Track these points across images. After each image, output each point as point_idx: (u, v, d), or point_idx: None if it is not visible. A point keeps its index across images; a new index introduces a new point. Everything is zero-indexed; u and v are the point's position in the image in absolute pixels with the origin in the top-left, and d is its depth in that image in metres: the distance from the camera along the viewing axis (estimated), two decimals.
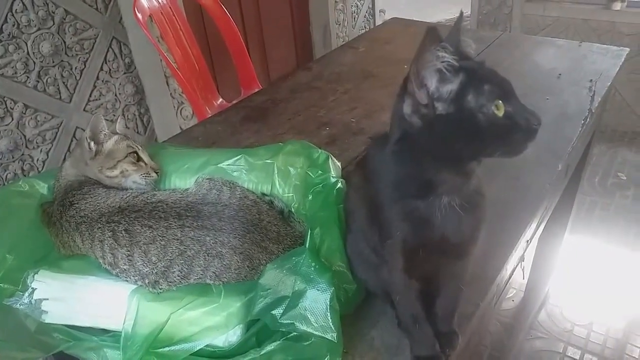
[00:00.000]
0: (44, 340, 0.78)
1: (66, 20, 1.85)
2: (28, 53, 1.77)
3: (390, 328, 0.81)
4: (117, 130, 0.99)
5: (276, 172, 0.92)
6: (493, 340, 1.94)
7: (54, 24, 1.82)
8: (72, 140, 1.98)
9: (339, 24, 3.21)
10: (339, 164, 0.99)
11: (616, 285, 2.12)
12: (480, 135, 0.60)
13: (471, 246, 0.71)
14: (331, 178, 0.90)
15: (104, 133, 0.94)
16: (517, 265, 1.13)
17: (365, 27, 3.48)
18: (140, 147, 0.97)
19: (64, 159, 0.96)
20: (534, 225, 1.10)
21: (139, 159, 0.95)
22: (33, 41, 1.78)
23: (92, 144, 0.92)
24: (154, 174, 0.95)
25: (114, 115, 2.10)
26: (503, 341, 1.93)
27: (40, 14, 1.77)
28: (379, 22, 3.51)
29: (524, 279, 2.10)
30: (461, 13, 0.66)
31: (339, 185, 0.89)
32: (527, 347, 1.90)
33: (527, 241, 1.12)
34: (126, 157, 0.94)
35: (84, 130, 1.93)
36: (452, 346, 0.77)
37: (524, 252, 1.14)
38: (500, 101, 0.59)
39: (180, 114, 2.35)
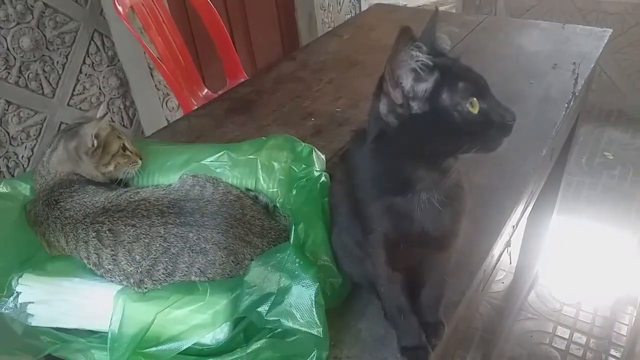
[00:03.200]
0: (31, 344, 0.78)
1: (45, 13, 1.82)
2: (8, 48, 1.74)
3: (377, 319, 0.82)
4: (98, 116, 0.97)
5: (260, 167, 0.92)
6: (484, 322, 1.96)
7: (33, 17, 1.79)
8: None
9: (324, 10, 3.18)
10: (323, 156, 0.99)
11: (604, 264, 2.15)
12: (456, 133, 0.60)
13: (453, 239, 0.71)
14: (315, 172, 0.90)
15: (106, 131, 0.94)
16: (503, 251, 1.14)
17: (351, 11, 3.45)
18: (124, 136, 0.97)
19: (44, 156, 0.94)
20: (519, 211, 1.11)
21: (125, 148, 0.95)
22: (12, 36, 1.75)
23: (95, 141, 0.91)
24: (139, 161, 0.96)
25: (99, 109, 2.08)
26: (494, 323, 1.96)
27: (18, 8, 1.74)
28: (364, 6, 3.48)
29: (510, 263, 2.12)
30: (436, 9, 0.66)
31: (323, 178, 0.89)
32: (517, 328, 1.93)
33: (513, 226, 1.13)
34: (118, 150, 0.94)
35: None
36: (438, 336, 0.77)
37: (510, 237, 1.15)
38: (475, 98, 0.59)
39: (166, 106, 2.33)
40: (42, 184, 0.91)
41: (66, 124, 1.95)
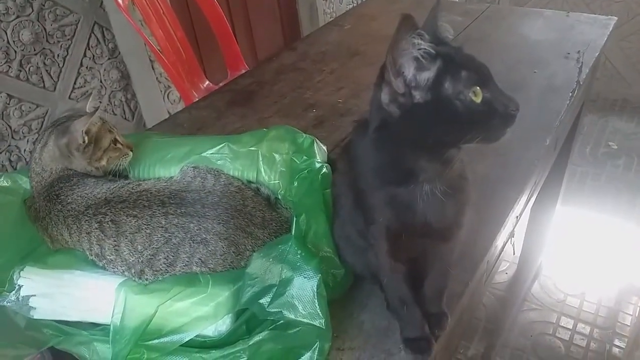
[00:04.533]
0: (34, 336, 0.78)
1: (45, 6, 1.81)
2: (8, 42, 1.74)
3: (380, 310, 0.82)
4: (87, 109, 0.97)
5: (261, 159, 0.91)
6: (487, 313, 1.96)
7: (32, 10, 1.78)
8: None
9: (326, 0, 3.16)
10: (324, 147, 0.98)
11: (608, 255, 2.14)
12: (458, 122, 0.59)
13: (456, 230, 0.71)
14: (316, 163, 0.89)
15: (97, 126, 0.94)
16: (506, 241, 1.13)
17: (352, 1, 3.43)
18: (115, 129, 0.96)
19: (34, 152, 0.93)
20: (523, 201, 1.10)
21: (116, 141, 0.95)
22: (12, 29, 1.74)
23: (86, 137, 0.90)
24: (130, 153, 0.96)
25: (100, 102, 2.07)
26: (497, 314, 1.96)
27: (18, 1, 1.72)
28: None
29: (514, 254, 2.11)
30: None
31: (324, 170, 0.88)
32: (521, 318, 1.92)
33: (517, 217, 1.12)
34: (109, 145, 0.94)
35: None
36: (441, 327, 0.77)
37: (513, 228, 1.14)
38: (478, 87, 0.58)
39: (168, 98, 2.32)
40: (38, 182, 0.90)
41: None
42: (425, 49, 0.57)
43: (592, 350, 1.79)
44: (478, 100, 0.58)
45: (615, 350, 1.79)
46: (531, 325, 1.90)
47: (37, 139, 0.94)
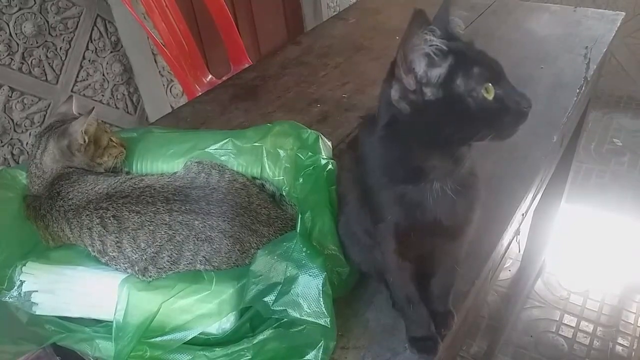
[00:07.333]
0: (36, 332, 0.78)
1: None
2: (10, 34, 1.72)
3: (386, 309, 0.81)
4: (74, 111, 0.97)
5: (265, 155, 0.90)
6: (490, 310, 1.96)
7: (35, 3, 1.77)
8: None
9: None
10: (329, 143, 0.97)
11: (612, 252, 2.13)
12: (470, 120, 0.58)
13: (465, 227, 0.70)
14: (321, 159, 0.88)
15: (94, 126, 0.94)
16: (512, 239, 1.12)
17: None
18: (109, 129, 0.97)
19: (34, 159, 0.93)
20: (529, 198, 1.09)
21: (111, 140, 0.95)
22: (15, 22, 1.73)
23: (85, 137, 0.91)
24: (124, 150, 0.96)
25: (103, 95, 2.06)
26: (500, 311, 1.95)
27: None
28: None
29: (519, 252, 2.11)
30: None
31: (330, 166, 0.87)
32: (524, 316, 1.92)
33: (523, 214, 1.11)
34: (108, 142, 0.94)
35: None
36: (447, 326, 0.76)
37: (519, 226, 1.13)
38: (490, 84, 0.57)
39: (170, 92, 2.31)
40: (39, 184, 0.90)
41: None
42: (437, 45, 0.56)
43: (595, 349, 1.78)
44: (490, 97, 0.57)
45: (619, 348, 1.78)
46: (534, 322, 1.89)
47: (33, 144, 0.94)
